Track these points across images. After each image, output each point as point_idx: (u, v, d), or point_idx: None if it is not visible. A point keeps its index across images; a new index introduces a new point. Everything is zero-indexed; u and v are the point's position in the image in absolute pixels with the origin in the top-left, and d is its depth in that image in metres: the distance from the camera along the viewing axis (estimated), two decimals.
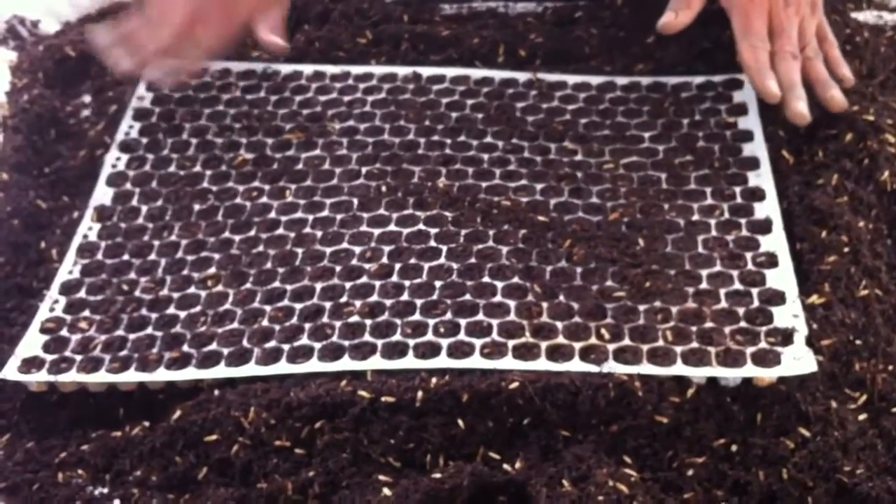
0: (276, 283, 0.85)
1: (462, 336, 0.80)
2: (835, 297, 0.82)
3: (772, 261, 0.85)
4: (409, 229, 0.89)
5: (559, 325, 0.81)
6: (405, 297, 0.83)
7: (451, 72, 1.04)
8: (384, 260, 0.87)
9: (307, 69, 1.05)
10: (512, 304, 0.83)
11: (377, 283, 0.85)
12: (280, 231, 0.90)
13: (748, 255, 0.86)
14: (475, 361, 0.79)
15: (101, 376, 0.80)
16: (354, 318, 0.82)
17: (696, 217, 0.90)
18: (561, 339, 0.80)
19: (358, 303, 0.83)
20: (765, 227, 0.88)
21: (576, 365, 0.78)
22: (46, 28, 1.15)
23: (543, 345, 0.80)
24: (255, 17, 1.01)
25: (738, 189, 0.92)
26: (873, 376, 0.79)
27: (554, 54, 1.06)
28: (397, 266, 0.86)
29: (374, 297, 0.84)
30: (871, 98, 0.96)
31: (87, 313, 0.84)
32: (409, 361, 0.79)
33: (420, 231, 0.89)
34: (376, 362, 0.79)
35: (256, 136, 0.99)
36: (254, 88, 1.04)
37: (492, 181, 0.94)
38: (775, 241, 0.87)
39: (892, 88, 0.99)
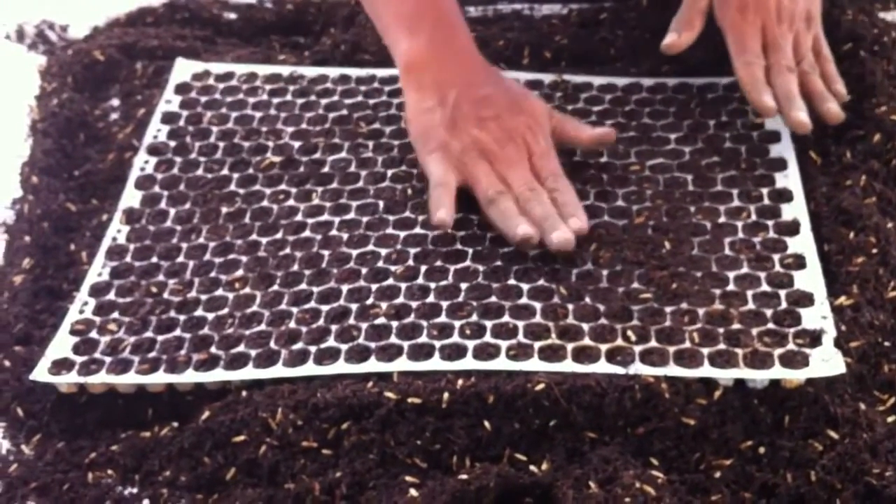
0: (303, 285, 0.86)
1: (488, 338, 0.81)
2: (863, 299, 0.82)
3: (800, 262, 0.85)
4: (435, 232, 0.89)
5: (585, 326, 0.81)
6: (431, 298, 0.84)
7: None
8: (410, 262, 0.87)
9: (333, 72, 1.06)
10: (538, 305, 0.83)
11: (403, 285, 0.85)
12: (307, 233, 0.90)
13: (776, 257, 0.85)
14: (501, 363, 0.79)
15: (131, 378, 0.80)
16: (381, 320, 0.82)
17: (722, 219, 0.89)
18: (587, 341, 0.80)
19: (384, 304, 0.83)
20: (792, 228, 0.88)
21: (602, 366, 0.78)
22: (75, 33, 1.16)
23: (569, 346, 0.80)
24: (559, 128, 0.93)
25: (765, 190, 0.91)
26: None
27: (579, 56, 1.06)
28: (423, 268, 0.86)
29: (401, 299, 0.84)
30: None
31: (116, 315, 0.85)
32: (436, 363, 0.79)
33: (446, 233, 0.89)
34: (403, 364, 0.79)
35: (283, 139, 0.99)
36: (280, 92, 1.04)
37: None
38: (803, 243, 0.86)
39: None
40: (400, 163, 0.96)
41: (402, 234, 0.89)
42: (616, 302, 0.83)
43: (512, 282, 0.85)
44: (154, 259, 0.89)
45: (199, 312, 0.85)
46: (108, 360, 0.81)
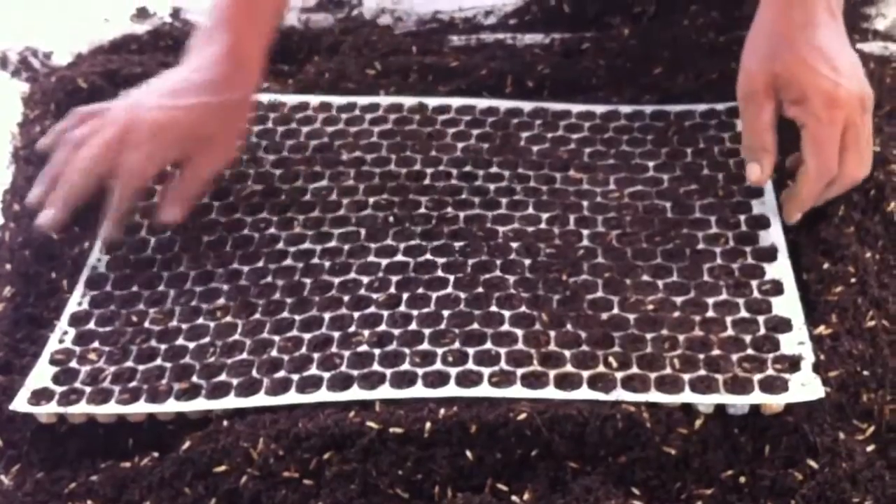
0: (285, 314, 0.86)
1: (470, 365, 0.81)
2: (842, 328, 0.82)
3: (777, 288, 0.86)
4: (417, 259, 0.89)
5: (567, 353, 0.81)
6: (413, 326, 0.84)
7: (456, 102, 1.05)
8: (392, 290, 0.87)
9: (314, 100, 1.06)
10: (520, 332, 0.83)
11: (385, 313, 0.85)
12: (288, 262, 0.90)
13: (754, 283, 0.86)
14: (484, 390, 0.79)
15: (111, 407, 0.80)
16: (363, 348, 0.82)
17: (701, 245, 0.90)
18: (569, 368, 0.80)
19: (366, 332, 0.83)
20: (770, 254, 0.89)
21: (584, 393, 0.78)
22: (59, 60, 1.16)
23: (552, 373, 0.80)
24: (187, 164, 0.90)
25: (742, 217, 0.92)
26: (881, 407, 0.78)
27: (561, 85, 1.07)
28: (405, 296, 0.86)
29: (383, 327, 0.84)
30: (877, 129, 0.96)
31: (96, 344, 0.85)
32: (418, 390, 0.79)
33: (427, 261, 0.89)
34: (385, 391, 0.79)
35: (264, 167, 0.99)
36: (260, 119, 1.04)
37: (498, 211, 0.94)
38: (780, 269, 0.87)
39: None
40: (381, 191, 0.96)
41: (384, 261, 0.90)
42: (597, 328, 0.83)
43: (494, 309, 0.85)
44: (134, 288, 0.89)
45: (180, 341, 0.84)
46: (88, 389, 0.81)
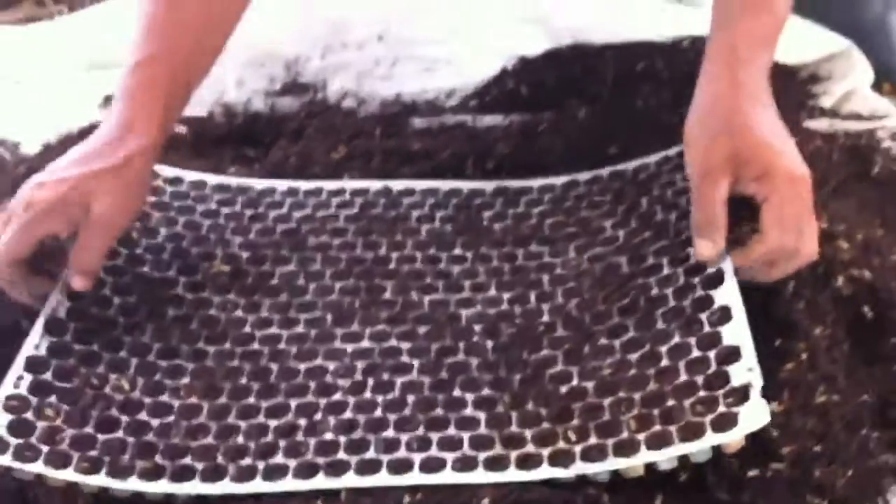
0: (251, 399, 0.87)
1: (434, 451, 0.82)
2: (794, 405, 0.83)
3: (726, 315, 0.85)
4: (382, 345, 0.91)
5: (528, 433, 0.82)
6: (378, 413, 0.85)
7: (420, 185, 1.07)
8: (358, 376, 0.88)
9: (281, 185, 1.08)
10: (482, 416, 0.84)
11: (351, 400, 0.86)
12: (255, 346, 0.91)
13: (703, 316, 0.86)
14: (447, 475, 0.80)
15: (69, 474, 0.79)
16: (328, 436, 0.83)
17: (654, 292, 0.90)
18: (530, 448, 0.81)
19: (332, 420, 0.84)
20: (716, 280, 0.88)
21: (545, 471, 0.79)
22: (27, 150, 1.17)
23: (513, 454, 0.81)
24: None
25: (690, 250, 0.91)
26: (833, 482, 0.80)
27: (521, 165, 1.09)
28: (370, 382, 0.87)
29: (348, 414, 0.85)
30: (824, 205, 0.98)
31: (53, 399, 0.83)
32: (383, 478, 0.80)
33: (392, 346, 0.91)
34: (350, 479, 0.80)
35: (231, 249, 1.01)
36: (228, 202, 1.06)
37: (461, 294, 0.96)
38: (727, 294, 0.87)
39: (844, 195, 1.02)
40: (348, 276, 0.98)
41: (350, 347, 0.91)
42: (557, 403, 0.84)
43: (457, 393, 0.86)
44: (95, 346, 0.88)
45: (143, 416, 0.84)
46: (45, 448, 0.80)
